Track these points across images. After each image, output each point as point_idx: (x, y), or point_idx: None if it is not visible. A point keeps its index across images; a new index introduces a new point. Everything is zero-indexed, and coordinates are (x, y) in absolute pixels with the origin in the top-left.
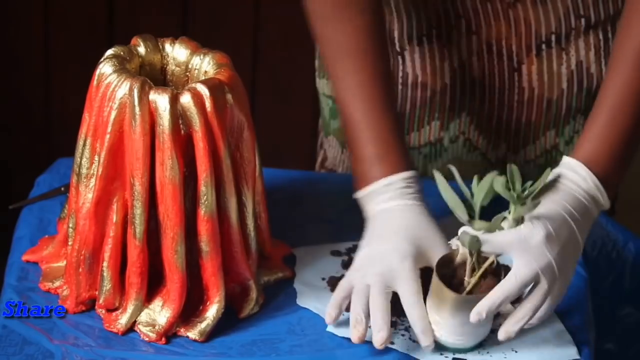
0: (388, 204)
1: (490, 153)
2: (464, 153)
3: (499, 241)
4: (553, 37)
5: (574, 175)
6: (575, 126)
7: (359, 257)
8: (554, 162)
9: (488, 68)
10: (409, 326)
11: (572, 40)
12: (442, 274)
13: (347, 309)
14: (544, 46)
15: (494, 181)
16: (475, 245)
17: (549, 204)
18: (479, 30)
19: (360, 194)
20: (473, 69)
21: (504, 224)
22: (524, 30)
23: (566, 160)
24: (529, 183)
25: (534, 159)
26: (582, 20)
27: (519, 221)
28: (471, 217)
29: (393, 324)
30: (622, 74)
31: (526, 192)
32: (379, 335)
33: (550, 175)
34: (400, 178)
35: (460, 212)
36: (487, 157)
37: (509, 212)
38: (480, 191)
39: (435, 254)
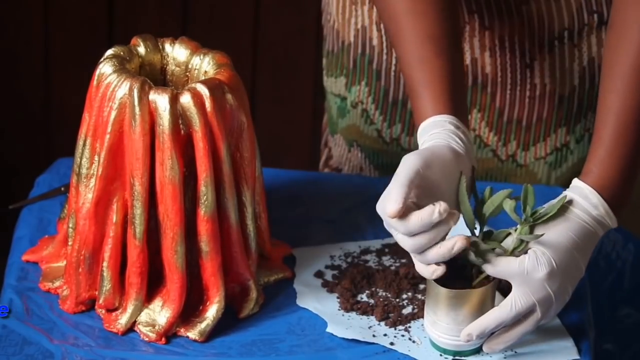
0: (429, 142)
1: (501, 149)
2: (474, 150)
3: (503, 269)
4: (565, 33)
5: (585, 203)
6: (586, 124)
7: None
8: (565, 161)
9: (500, 64)
10: (409, 326)
11: (584, 36)
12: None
13: (347, 308)
14: (556, 42)
15: (504, 202)
16: (479, 262)
17: (557, 235)
18: (492, 25)
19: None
20: (485, 65)
21: (508, 240)
22: (536, 25)
23: (578, 184)
24: (541, 207)
25: (545, 156)
26: (595, 16)
27: (523, 241)
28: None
29: (392, 324)
30: (621, 90)
31: (536, 215)
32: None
33: (561, 198)
34: (440, 119)
35: (469, 221)
36: (497, 154)
37: (515, 230)
38: (490, 205)
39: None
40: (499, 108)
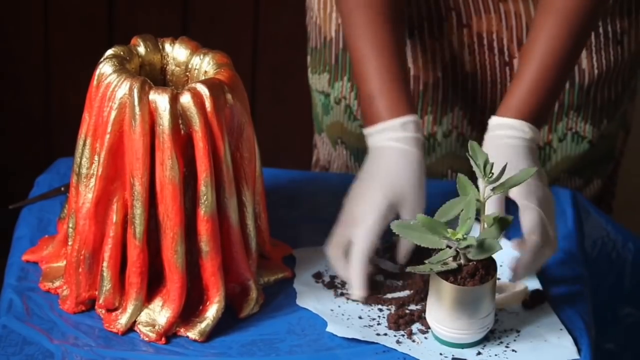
0: (383, 144)
1: None
2: (457, 148)
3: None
4: None
5: (528, 133)
6: (568, 123)
7: (344, 210)
8: (548, 159)
9: (479, 61)
10: (410, 326)
11: None
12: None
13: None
14: None
15: (490, 225)
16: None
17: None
18: (469, 23)
19: (366, 132)
20: (464, 62)
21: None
22: (514, 23)
23: (507, 122)
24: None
25: None
26: None
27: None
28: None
29: (393, 324)
30: (550, 29)
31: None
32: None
33: (501, 136)
34: (399, 122)
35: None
36: None
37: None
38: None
39: (406, 208)
40: (480, 105)
